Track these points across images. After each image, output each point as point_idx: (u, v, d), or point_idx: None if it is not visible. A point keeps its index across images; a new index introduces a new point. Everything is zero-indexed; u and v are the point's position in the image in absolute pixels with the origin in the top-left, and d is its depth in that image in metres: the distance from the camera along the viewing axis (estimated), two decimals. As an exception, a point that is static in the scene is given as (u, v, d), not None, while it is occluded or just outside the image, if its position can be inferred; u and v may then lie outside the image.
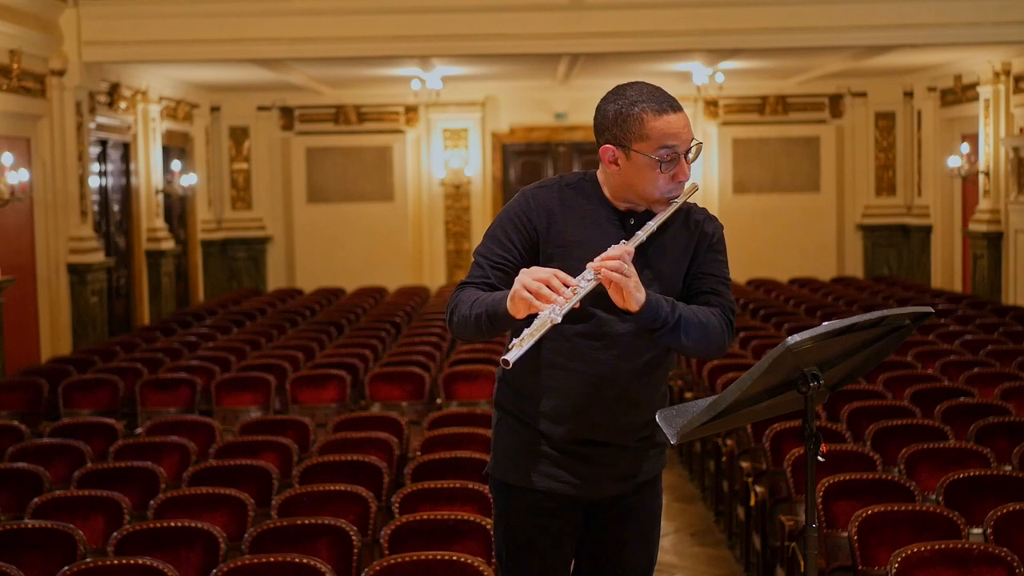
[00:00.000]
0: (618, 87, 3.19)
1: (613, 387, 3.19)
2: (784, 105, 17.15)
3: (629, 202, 3.20)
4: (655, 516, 3.41)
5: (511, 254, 3.19)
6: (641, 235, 3.11)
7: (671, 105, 3.14)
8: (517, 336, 2.99)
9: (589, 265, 3.02)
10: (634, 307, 3.02)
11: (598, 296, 3.08)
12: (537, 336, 2.94)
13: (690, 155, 3.16)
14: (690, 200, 3.28)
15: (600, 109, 3.19)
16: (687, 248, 3.25)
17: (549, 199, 3.23)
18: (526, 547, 3.31)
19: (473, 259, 3.25)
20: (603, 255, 3.02)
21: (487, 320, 3.07)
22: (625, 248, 3.03)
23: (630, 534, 3.34)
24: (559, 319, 2.93)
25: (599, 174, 3.26)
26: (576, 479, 3.25)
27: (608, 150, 3.17)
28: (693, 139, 3.17)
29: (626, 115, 3.12)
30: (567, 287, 2.97)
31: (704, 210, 3.33)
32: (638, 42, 12.04)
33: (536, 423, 3.25)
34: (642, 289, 3.03)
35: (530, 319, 2.99)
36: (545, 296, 2.95)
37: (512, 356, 2.94)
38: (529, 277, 2.99)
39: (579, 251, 3.12)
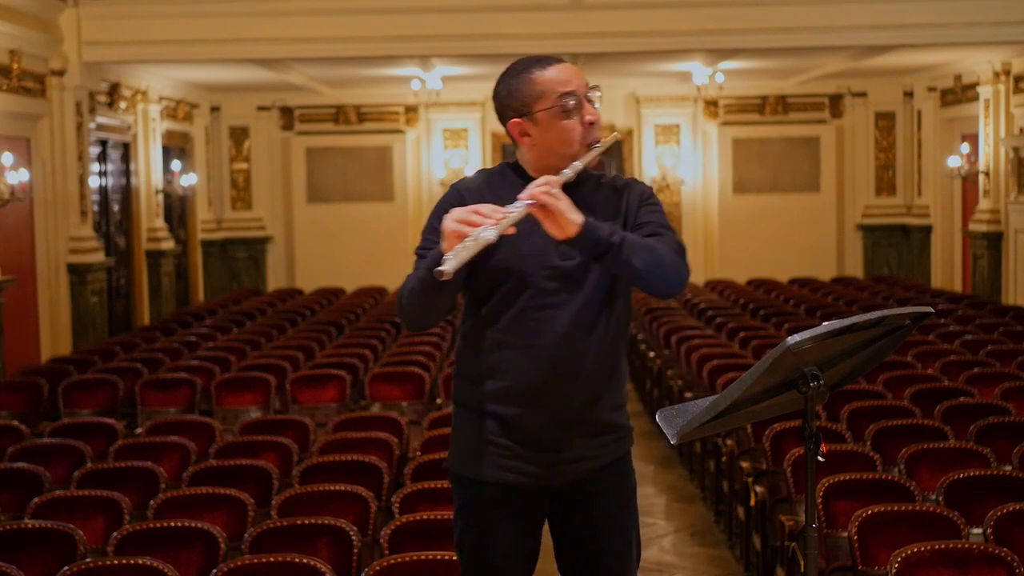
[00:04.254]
0: (504, 70, 3.27)
1: (561, 359, 3.17)
2: (784, 105, 17.16)
3: (554, 169, 3.17)
4: (626, 498, 3.35)
5: None
6: (568, 172, 3.12)
7: (554, 59, 3.23)
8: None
9: (519, 196, 3.03)
10: (572, 229, 2.99)
11: (539, 266, 3.12)
12: (473, 250, 2.94)
13: (592, 98, 3.20)
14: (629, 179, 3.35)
15: (494, 95, 3.26)
16: (618, 208, 3.25)
17: (476, 185, 3.28)
18: (485, 539, 3.28)
19: (415, 257, 3.24)
20: (530, 185, 3.04)
21: (427, 274, 3.05)
22: (550, 177, 3.05)
23: (601, 518, 3.30)
24: (494, 237, 2.94)
25: (519, 157, 3.29)
26: (530, 467, 3.22)
27: (515, 124, 3.21)
28: (589, 83, 3.21)
29: (516, 84, 3.19)
30: (496, 215, 3.00)
31: (631, 177, 3.39)
32: (638, 42, 12.05)
33: (488, 408, 3.23)
34: (575, 210, 3.01)
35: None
36: (475, 222, 2.98)
37: (448, 267, 2.92)
38: (458, 211, 3.03)
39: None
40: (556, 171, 3.14)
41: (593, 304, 3.18)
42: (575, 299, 3.17)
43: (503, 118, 3.24)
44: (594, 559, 3.32)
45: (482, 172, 3.35)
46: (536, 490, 3.26)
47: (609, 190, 3.27)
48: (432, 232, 3.19)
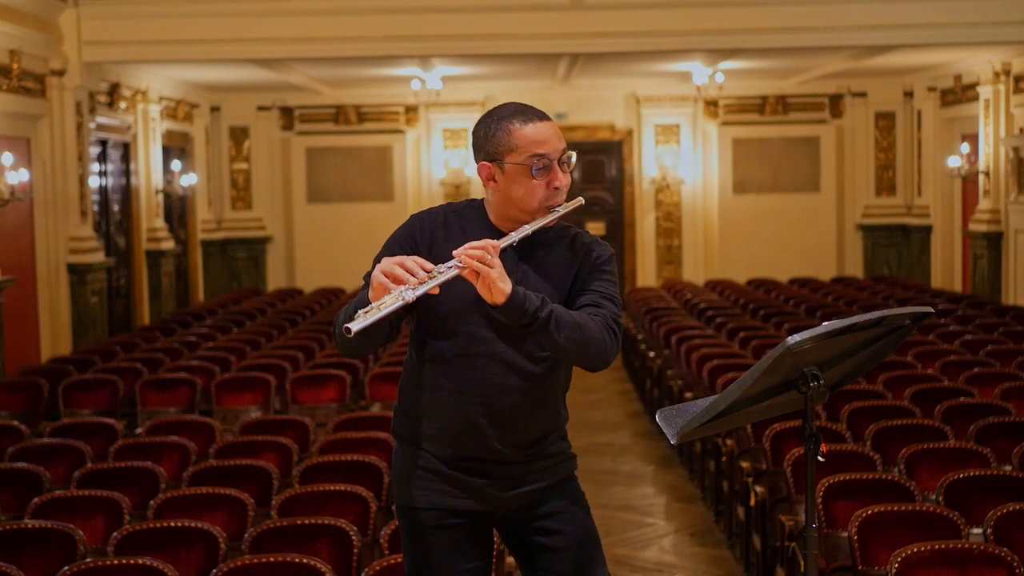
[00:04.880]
0: (489, 110, 3.28)
1: (495, 407, 3.20)
2: (784, 105, 17.15)
3: (512, 220, 3.22)
4: (581, 516, 3.33)
5: None
6: (513, 236, 3.13)
7: (538, 115, 3.22)
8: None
9: (453, 253, 3.04)
10: (499, 298, 3.01)
11: (475, 313, 3.13)
12: (385, 311, 2.96)
13: (564, 163, 3.20)
14: (591, 234, 3.33)
15: (474, 131, 3.27)
16: (570, 269, 3.26)
17: (435, 223, 3.29)
18: (431, 566, 3.29)
19: (363, 282, 3.26)
20: (467, 245, 3.04)
21: (340, 325, 3.08)
22: (490, 242, 3.05)
23: (559, 540, 3.28)
24: (412, 298, 2.96)
25: (485, 199, 3.31)
26: (470, 493, 3.25)
27: (484, 167, 3.23)
28: (565, 148, 3.21)
29: (495, 130, 3.20)
30: (426, 272, 3.02)
31: (595, 237, 3.35)
32: (638, 42, 12.04)
33: (423, 446, 3.27)
34: (507, 280, 3.02)
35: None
36: (400, 277, 3.00)
37: (355, 325, 2.95)
38: (387, 262, 3.06)
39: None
40: (515, 222, 3.19)
41: (527, 350, 3.20)
42: (510, 346, 3.19)
43: (475, 157, 3.26)
44: None
45: (443, 210, 3.35)
46: (474, 515, 3.28)
47: (565, 250, 3.27)
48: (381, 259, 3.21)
